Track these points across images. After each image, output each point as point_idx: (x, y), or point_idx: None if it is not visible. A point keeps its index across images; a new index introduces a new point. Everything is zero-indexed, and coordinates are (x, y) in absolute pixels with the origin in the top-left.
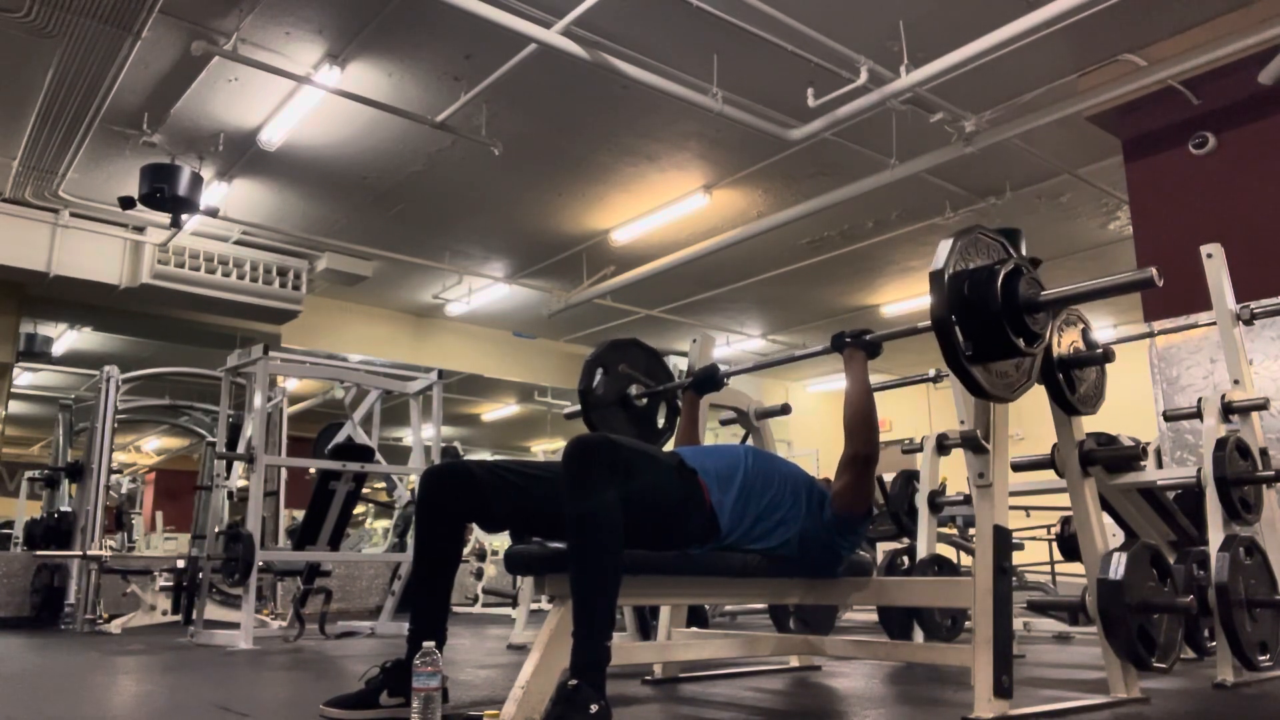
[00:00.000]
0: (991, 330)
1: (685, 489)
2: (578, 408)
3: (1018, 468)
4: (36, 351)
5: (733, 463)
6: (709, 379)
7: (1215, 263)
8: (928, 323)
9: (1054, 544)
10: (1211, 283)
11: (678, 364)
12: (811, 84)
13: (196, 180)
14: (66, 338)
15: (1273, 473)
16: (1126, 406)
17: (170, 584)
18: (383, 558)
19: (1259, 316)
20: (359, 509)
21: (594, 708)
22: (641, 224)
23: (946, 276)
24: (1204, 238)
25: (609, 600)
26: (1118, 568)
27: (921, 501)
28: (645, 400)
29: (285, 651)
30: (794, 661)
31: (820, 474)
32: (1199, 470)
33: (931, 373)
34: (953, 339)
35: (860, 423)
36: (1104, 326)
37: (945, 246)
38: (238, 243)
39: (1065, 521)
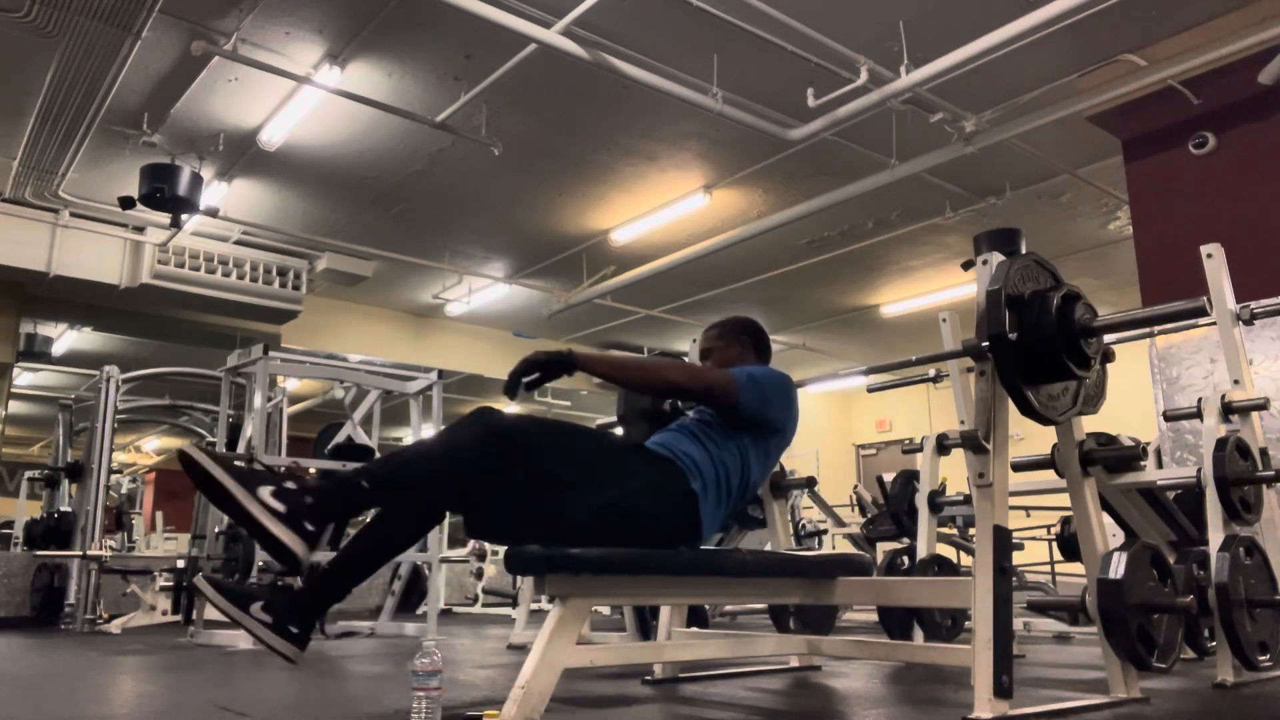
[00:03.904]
0: (1047, 353)
1: (617, 462)
2: (612, 419)
3: (1018, 468)
4: (36, 351)
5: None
6: None
7: (1215, 263)
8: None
9: (1054, 544)
10: (1211, 283)
11: None
12: (811, 84)
13: (196, 180)
14: (66, 338)
15: (1273, 473)
16: (1126, 406)
17: (170, 584)
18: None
19: (1259, 316)
20: None
21: (265, 614)
22: (641, 224)
23: (1004, 296)
24: (1204, 238)
25: (395, 542)
26: (1118, 568)
27: (921, 501)
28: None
29: None
30: (794, 661)
31: (820, 473)
32: (1199, 470)
33: (931, 373)
34: (1008, 358)
35: (652, 384)
36: None
37: (999, 267)
38: (238, 243)
39: (1065, 521)
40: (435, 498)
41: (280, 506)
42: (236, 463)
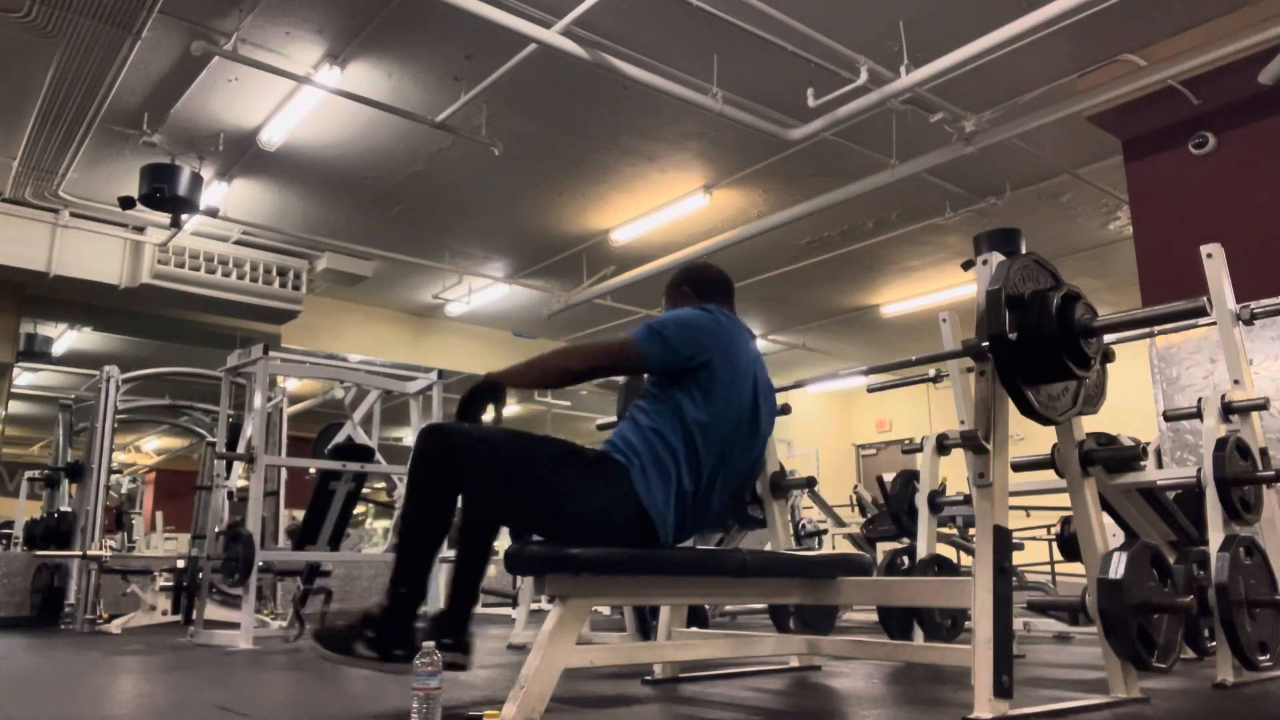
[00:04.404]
0: (1047, 353)
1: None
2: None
3: (1018, 468)
4: (36, 351)
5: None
6: None
7: (1215, 263)
8: None
9: (1054, 544)
10: (1211, 283)
11: None
12: (811, 84)
13: (196, 180)
14: (66, 338)
15: (1273, 473)
16: (1126, 406)
17: (170, 584)
18: (383, 558)
19: (1259, 316)
20: (359, 509)
21: (370, 650)
22: (641, 224)
23: (1004, 296)
24: (1204, 238)
25: (420, 553)
26: (1118, 568)
27: (921, 501)
28: None
29: (285, 651)
30: (794, 661)
31: (820, 473)
32: (1199, 470)
33: (931, 373)
34: (1008, 358)
35: (554, 377)
36: None
37: (999, 267)
38: (238, 243)
39: (1065, 521)
40: (445, 528)
41: (372, 653)
42: (335, 623)
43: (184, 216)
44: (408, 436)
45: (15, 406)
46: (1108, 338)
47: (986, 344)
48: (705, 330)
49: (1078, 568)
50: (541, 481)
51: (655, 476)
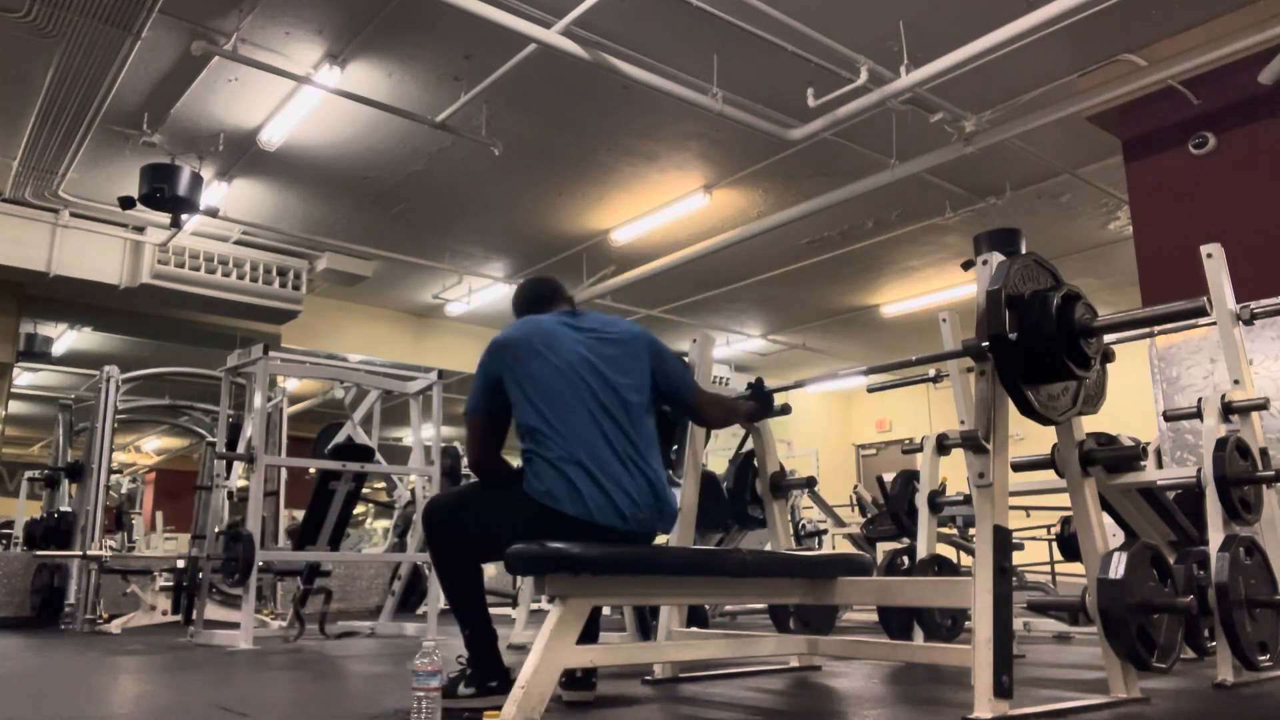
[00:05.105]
0: (1047, 353)
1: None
2: None
3: (1018, 468)
4: (36, 351)
5: None
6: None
7: (1215, 263)
8: None
9: (1054, 544)
10: (1211, 283)
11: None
12: (811, 84)
13: (196, 180)
14: (66, 338)
15: (1273, 473)
16: (1126, 406)
17: (170, 584)
18: (383, 558)
19: (1259, 316)
20: (359, 509)
21: (468, 689)
22: (641, 224)
23: (1004, 296)
24: (1204, 238)
25: (460, 606)
26: (1118, 568)
27: (921, 501)
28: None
29: (285, 651)
30: (794, 661)
31: (820, 473)
32: (1199, 470)
33: (931, 373)
34: (1008, 358)
35: (489, 471)
36: None
37: (999, 267)
38: (238, 243)
39: (1065, 521)
40: (471, 569)
41: (470, 689)
42: (449, 678)
43: (184, 216)
44: (407, 436)
45: (15, 406)
46: (1108, 338)
47: (986, 344)
48: (489, 360)
49: (1078, 568)
50: (483, 514)
51: (529, 469)
